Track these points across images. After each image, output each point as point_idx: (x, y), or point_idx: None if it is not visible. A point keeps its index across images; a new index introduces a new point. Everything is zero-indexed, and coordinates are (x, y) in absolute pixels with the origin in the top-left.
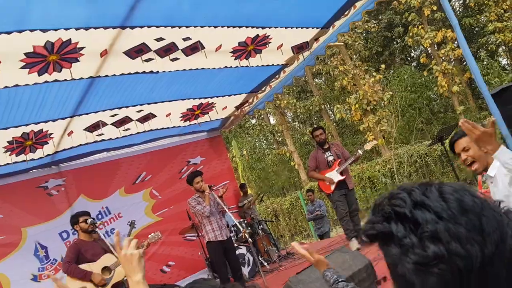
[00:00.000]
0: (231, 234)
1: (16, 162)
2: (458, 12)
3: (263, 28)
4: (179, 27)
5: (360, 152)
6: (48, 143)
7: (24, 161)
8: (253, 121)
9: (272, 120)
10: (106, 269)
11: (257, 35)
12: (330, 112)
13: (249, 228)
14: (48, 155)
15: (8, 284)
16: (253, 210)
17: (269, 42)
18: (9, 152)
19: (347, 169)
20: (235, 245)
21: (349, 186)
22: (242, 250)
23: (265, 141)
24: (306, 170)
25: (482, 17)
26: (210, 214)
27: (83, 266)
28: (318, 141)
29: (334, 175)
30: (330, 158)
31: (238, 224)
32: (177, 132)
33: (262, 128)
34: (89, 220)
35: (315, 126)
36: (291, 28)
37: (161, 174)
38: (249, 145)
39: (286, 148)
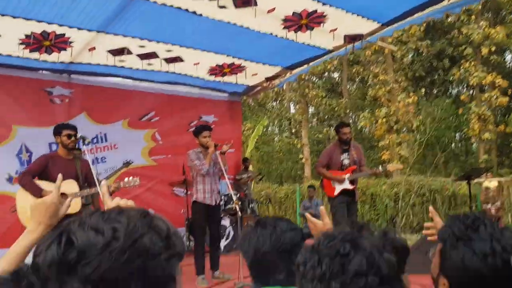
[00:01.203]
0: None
1: (28, 58)
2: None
3: (323, 4)
4: None
5: (380, 169)
6: (66, 50)
7: (37, 59)
8: (274, 103)
9: (293, 109)
10: (62, 196)
11: (315, 11)
12: (352, 120)
13: (239, 203)
14: (63, 62)
15: None
16: (249, 187)
17: (324, 22)
18: (24, 45)
19: (357, 180)
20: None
21: (355, 198)
22: (225, 222)
23: (278, 127)
24: (314, 164)
25: None
26: (206, 173)
27: (41, 183)
28: (344, 139)
29: (344, 181)
30: (346, 162)
31: (233, 194)
32: (199, 84)
33: (281, 112)
34: (78, 135)
35: (342, 122)
36: (352, 13)
37: (170, 120)
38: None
39: (299, 139)
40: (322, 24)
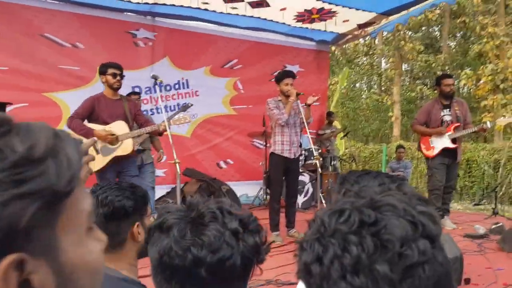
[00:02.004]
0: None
1: None
2: None
3: None
4: None
5: (488, 125)
6: None
7: (121, 0)
8: (364, 59)
9: (384, 65)
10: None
11: None
12: None
13: (320, 159)
14: (147, 3)
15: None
16: (332, 143)
17: None
18: None
19: (461, 138)
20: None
21: (458, 158)
22: (305, 178)
23: (366, 84)
24: (404, 124)
25: None
26: (286, 124)
27: (90, 126)
28: (446, 91)
29: (444, 140)
30: (447, 118)
31: (314, 149)
32: (285, 31)
33: (371, 67)
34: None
35: (445, 73)
36: None
37: (252, 68)
38: (349, 81)
39: (389, 97)
40: None
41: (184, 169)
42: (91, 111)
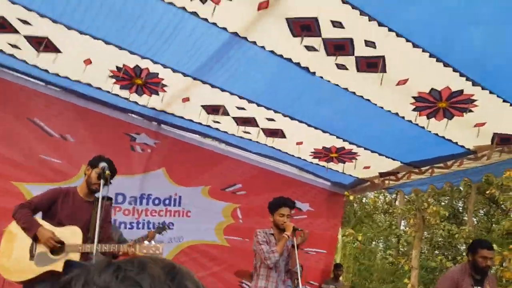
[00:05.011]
0: None
1: (117, 95)
2: None
3: (474, 84)
4: None
5: None
6: (158, 94)
7: (126, 99)
8: (383, 216)
9: (403, 225)
10: (60, 245)
11: (461, 92)
12: None
13: None
14: (154, 109)
15: None
16: None
17: (470, 110)
18: (115, 79)
19: None
20: None
21: None
22: None
23: (383, 243)
24: None
25: None
26: (274, 265)
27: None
28: (481, 265)
29: None
30: None
31: None
32: (299, 165)
33: (390, 227)
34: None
35: (484, 241)
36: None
37: (257, 197)
38: (366, 237)
39: (407, 261)
40: (465, 112)
41: None
42: (50, 206)
